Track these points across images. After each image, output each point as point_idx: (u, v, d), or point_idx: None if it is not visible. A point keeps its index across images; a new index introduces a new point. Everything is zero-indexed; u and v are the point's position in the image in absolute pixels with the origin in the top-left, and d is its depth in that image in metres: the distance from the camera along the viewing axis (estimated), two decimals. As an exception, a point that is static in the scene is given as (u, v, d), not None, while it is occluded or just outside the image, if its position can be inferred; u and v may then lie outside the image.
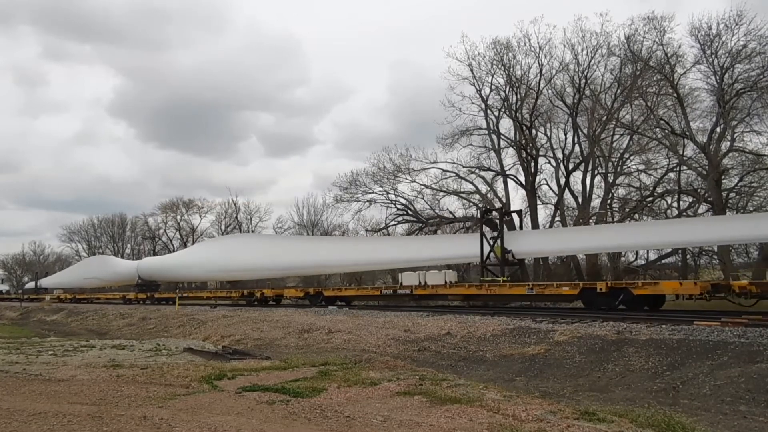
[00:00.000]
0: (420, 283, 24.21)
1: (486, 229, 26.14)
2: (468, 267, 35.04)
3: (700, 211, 30.49)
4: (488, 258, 23.48)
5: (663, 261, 32.49)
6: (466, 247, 25.15)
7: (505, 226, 25.81)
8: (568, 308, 22.01)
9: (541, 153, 36.06)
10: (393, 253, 28.44)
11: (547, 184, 37.14)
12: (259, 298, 32.19)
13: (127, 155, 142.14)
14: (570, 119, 34.63)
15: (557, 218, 35.02)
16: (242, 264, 33.96)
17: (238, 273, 35.87)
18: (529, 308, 22.77)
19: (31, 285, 67.60)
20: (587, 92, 33.64)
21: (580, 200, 34.47)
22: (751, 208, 28.68)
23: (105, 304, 43.66)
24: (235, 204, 62.96)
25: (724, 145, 29.13)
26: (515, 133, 36.49)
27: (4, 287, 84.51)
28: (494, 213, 27.62)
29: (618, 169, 33.34)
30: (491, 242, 23.56)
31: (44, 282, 64.41)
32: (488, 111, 36.66)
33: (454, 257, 26.72)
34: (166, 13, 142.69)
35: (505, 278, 22.61)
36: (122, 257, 68.37)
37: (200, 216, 66.50)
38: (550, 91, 35.02)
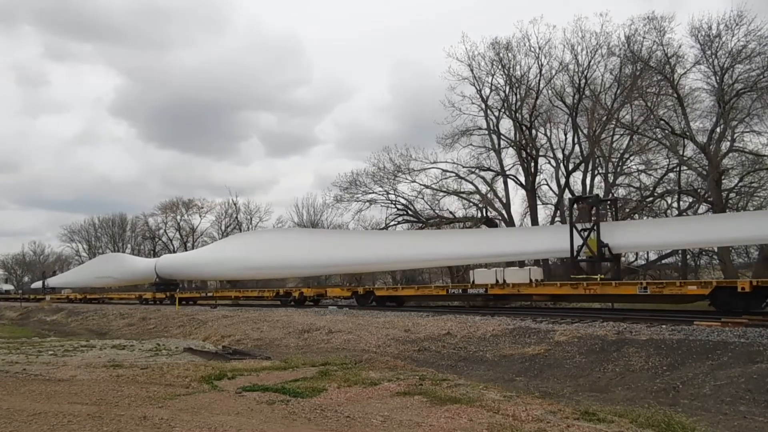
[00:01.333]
0: (497, 281, 21.39)
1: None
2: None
3: (700, 211, 30.50)
4: (579, 253, 20.45)
5: (663, 261, 32.50)
6: (553, 241, 21.81)
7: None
8: (567, 308, 21.98)
9: (541, 153, 36.14)
10: (465, 247, 24.60)
11: (547, 184, 37.24)
12: (297, 298, 29.63)
13: (127, 155, 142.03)
14: (570, 119, 34.67)
15: (557, 218, 35.03)
16: (286, 261, 30.07)
17: (279, 270, 32.60)
18: (529, 308, 22.68)
19: (37, 284, 65.71)
20: (587, 92, 33.67)
21: (580, 200, 34.47)
22: (751, 209, 28.67)
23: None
24: (235, 204, 62.93)
25: (724, 146, 29.16)
26: (515, 133, 36.56)
27: (9, 287, 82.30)
28: (587, 200, 22.68)
29: (618, 169, 33.36)
30: (584, 235, 20.25)
31: (52, 281, 62.23)
32: (488, 111, 36.77)
33: (538, 252, 23.93)
34: (167, 12, 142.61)
35: (602, 276, 20.20)
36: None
37: (200, 216, 66.45)
38: (549, 92, 35.12)
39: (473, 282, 22.56)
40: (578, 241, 20.36)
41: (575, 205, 22.53)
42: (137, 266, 45.74)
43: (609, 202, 23.62)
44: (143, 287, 48.42)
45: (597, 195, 24.81)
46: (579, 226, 20.76)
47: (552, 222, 35.37)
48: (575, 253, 20.45)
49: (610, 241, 19.93)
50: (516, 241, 23.96)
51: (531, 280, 20.78)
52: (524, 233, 28.02)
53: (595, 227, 20.23)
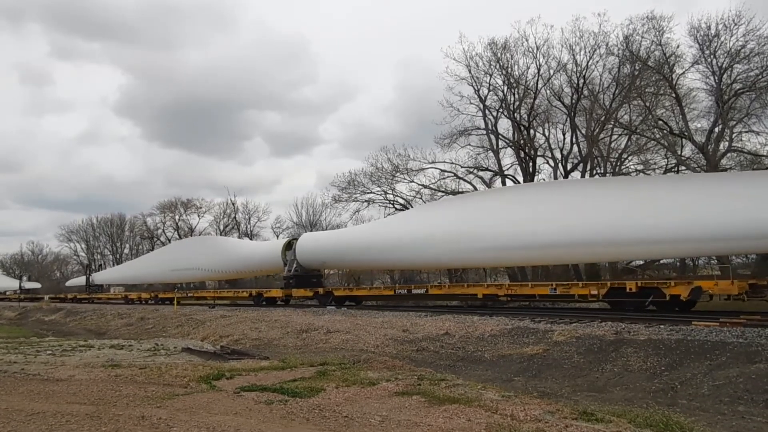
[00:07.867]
0: None
1: None
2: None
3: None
4: None
5: (661, 261, 32.51)
6: None
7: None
8: (566, 308, 21.99)
9: (539, 153, 36.23)
10: None
11: (546, 184, 37.23)
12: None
13: (131, 155, 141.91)
14: (568, 119, 34.68)
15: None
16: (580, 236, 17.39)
17: (599, 251, 18.62)
18: (528, 308, 22.65)
19: (74, 281, 57.88)
20: (585, 92, 33.67)
21: (578, 200, 34.50)
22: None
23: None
24: (233, 204, 62.68)
25: (723, 146, 29.17)
26: (513, 134, 36.60)
27: (36, 284, 73.86)
28: None
29: (616, 170, 33.37)
30: None
31: (99, 277, 52.58)
32: (486, 111, 36.76)
33: None
34: (173, 11, 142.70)
35: None
36: (121, 257, 67.55)
37: (198, 216, 66.30)
38: (548, 92, 35.13)
39: None
40: None
41: None
42: (251, 251, 33.03)
43: None
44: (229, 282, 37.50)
45: None
46: None
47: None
48: None
49: None
50: None
51: None
52: None
53: None
